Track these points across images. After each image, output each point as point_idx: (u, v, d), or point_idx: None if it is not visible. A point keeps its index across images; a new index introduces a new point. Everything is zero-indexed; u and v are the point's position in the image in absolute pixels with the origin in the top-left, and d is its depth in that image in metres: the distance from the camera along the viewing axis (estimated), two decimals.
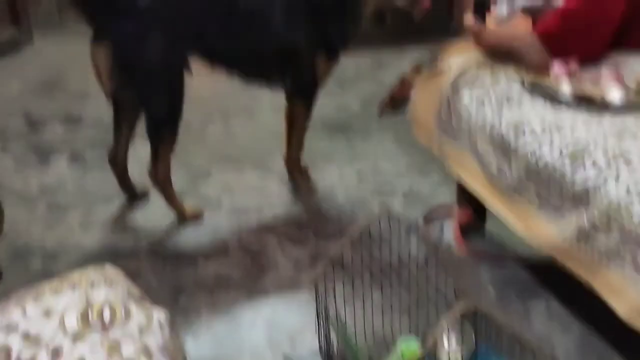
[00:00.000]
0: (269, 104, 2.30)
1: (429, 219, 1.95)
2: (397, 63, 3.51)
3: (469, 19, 1.65)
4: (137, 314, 0.75)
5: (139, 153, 2.29)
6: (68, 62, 3.49)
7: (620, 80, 1.45)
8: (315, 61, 2.00)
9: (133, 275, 1.67)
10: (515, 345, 1.13)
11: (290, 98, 2.10)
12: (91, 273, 0.81)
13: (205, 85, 3.10)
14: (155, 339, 0.73)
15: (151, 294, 1.60)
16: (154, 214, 2.07)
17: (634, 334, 1.11)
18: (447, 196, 2.11)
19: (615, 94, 1.40)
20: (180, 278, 1.75)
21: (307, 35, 1.96)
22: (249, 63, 2.03)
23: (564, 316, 1.54)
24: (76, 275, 0.81)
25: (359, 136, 2.65)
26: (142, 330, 0.73)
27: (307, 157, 2.35)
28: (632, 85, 1.42)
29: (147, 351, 0.70)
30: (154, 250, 1.89)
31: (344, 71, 3.18)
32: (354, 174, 2.32)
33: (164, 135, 1.93)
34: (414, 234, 1.30)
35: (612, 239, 1.14)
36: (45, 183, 2.29)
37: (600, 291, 1.19)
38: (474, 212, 1.87)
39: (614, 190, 1.14)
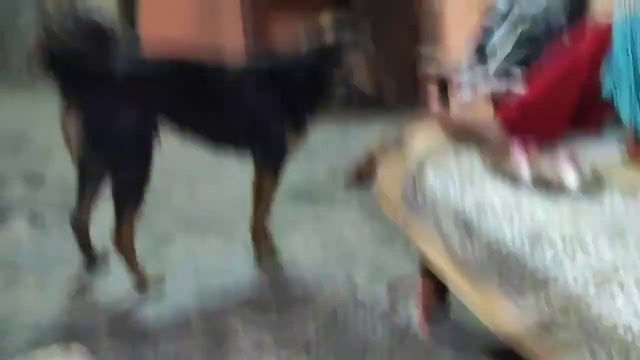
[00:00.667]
0: (236, 170, 2.32)
1: (392, 292, 1.96)
2: (364, 134, 3.58)
3: (434, 105, 1.72)
4: None
5: (101, 216, 2.27)
6: (34, 119, 3.47)
7: (576, 163, 1.52)
8: (283, 134, 2.05)
9: (91, 352, 1.66)
10: None
11: (258, 168, 2.13)
12: (58, 354, 0.79)
13: (172, 150, 3.12)
14: None
15: None
16: (114, 279, 2.03)
17: None
18: (411, 267, 2.12)
19: (571, 178, 1.46)
20: (140, 358, 1.70)
21: (276, 110, 2.01)
22: (219, 134, 2.07)
23: None
24: (40, 356, 0.78)
25: (325, 205, 2.68)
26: None
27: (273, 224, 2.36)
28: (587, 170, 1.49)
29: None
30: (113, 327, 1.84)
31: (311, 141, 3.24)
32: (319, 243, 2.34)
33: (130, 201, 1.93)
34: (379, 319, 1.30)
35: (571, 330, 1.16)
36: (2, 244, 2.24)
37: None
38: (438, 285, 1.89)
39: (570, 275, 1.18)
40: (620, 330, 1.06)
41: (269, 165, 2.12)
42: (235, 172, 2.67)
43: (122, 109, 1.83)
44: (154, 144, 1.93)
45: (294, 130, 2.07)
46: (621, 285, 1.09)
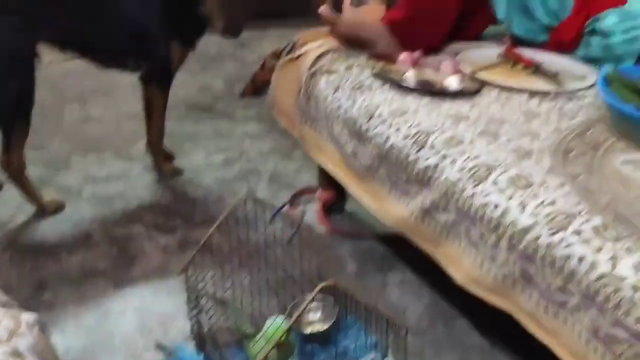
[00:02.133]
0: (128, 84, 2.25)
1: (294, 200, 2.04)
2: (259, 42, 3.56)
3: (323, 8, 1.73)
4: (5, 318, 0.76)
5: None
6: None
7: (457, 67, 1.61)
8: (169, 48, 1.99)
9: None
10: (371, 315, 1.26)
11: (145, 83, 2.09)
12: None
13: (59, 66, 2.97)
14: (24, 341, 0.74)
15: (12, 291, 1.57)
16: (9, 206, 1.98)
17: (473, 298, 1.27)
18: (310, 177, 2.21)
19: (452, 81, 1.55)
20: (42, 272, 1.70)
21: (161, 23, 1.95)
22: (102, 49, 1.99)
23: (417, 285, 1.70)
24: None
25: (224, 117, 2.67)
26: (10, 334, 0.74)
27: (172, 140, 2.35)
28: (467, 72, 1.58)
29: (16, 353, 0.72)
30: (12, 244, 1.82)
31: (206, 51, 3.17)
32: (220, 157, 2.35)
33: (15, 124, 1.85)
34: (278, 217, 1.37)
35: (449, 216, 1.28)
36: None
37: (442, 262, 1.33)
38: (336, 192, 1.98)
39: (450, 171, 1.28)
40: (490, 208, 1.18)
41: (156, 80, 2.07)
42: (127, 86, 2.60)
43: None
44: (33, 59, 1.83)
45: (180, 46, 2.02)
46: (495, 183, 1.20)
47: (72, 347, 1.44)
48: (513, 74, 1.61)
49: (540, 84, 1.55)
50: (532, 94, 1.50)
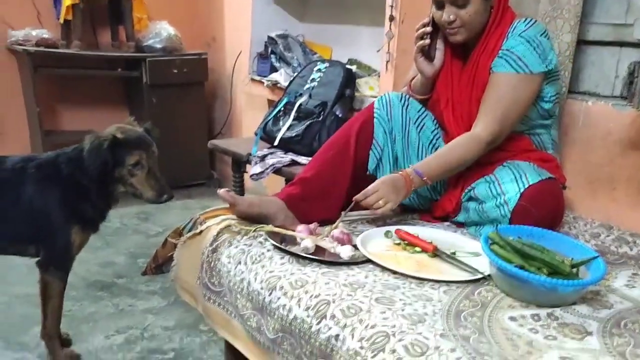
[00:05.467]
0: (23, 264, 2.17)
1: None
2: (164, 215, 3.60)
3: (223, 191, 1.80)
4: None
5: None
6: None
7: (350, 238, 1.70)
8: (69, 232, 1.98)
9: None
10: None
11: (43, 268, 2.03)
12: None
13: None
14: None
15: None
16: None
17: None
18: (217, 352, 2.16)
19: (346, 250, 1.62)
20: None
21: (62, 210, 1.95)
22: (0, 237, 1.95)
23: None
24: None
25: (125, 294, 2.61)
26: None
27: (69, 323, 2.26)
28: (357, 243, 1.66)
29: None
30: None
31: (108, 225, 3.16)
32: (121, 337, 2.26)
33: None
34: None
35: None
36: None
37: None
38: None
39: (350, 341, 1.31)
40: None
41: (55, 266, 2.03)
42: (23, 269, 2.52)
43: None
44: None
45: (80, 226, 2.01)
46: (392, 351, 1.24)
47: None
48: (414, 259, 1.63)
49: (451, 272, 1.55)
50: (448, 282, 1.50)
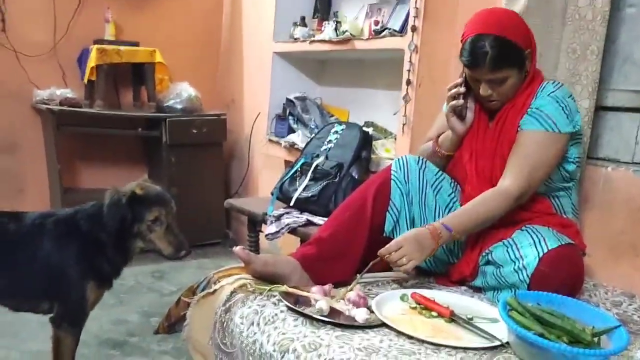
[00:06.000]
0: (36, 320, 2.17)
1: None
2: (178, 273, 3.59)
3: (239, 249, 1.80)
4: None
5: None
6: None
7: (365, 301, 1.67)
8: (84, 289, 1.98)
9: None
10: None
11: (56, 324, 2.02)
12: None
13: None
14: None
15: None
16: None
17: None
18: None
19: (361, 313, 1.60)
20: None
21: (78, 266, 1.96)
22: (16, 294, 1.96)
23: None
24: None
25: (138, 354, 2.57)
26: None
27: None
28: (373, 307, 1.64)
29: None
30: None
31: (122, 283, 3.16)
32: None
33: None
34: None
35: None
36: None
37: None
38: None
39: None
40: None
41: (69, 322, 2.01)
42: (36, 325, 2.50)
43: None
44: None
45: (95, 282, 2.01)
46: None
47: None
48: (430, 324, 1.59)
49: (469, 339, 1.51)
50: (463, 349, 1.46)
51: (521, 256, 1.68)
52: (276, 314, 1.65)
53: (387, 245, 1.74)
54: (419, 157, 1.99)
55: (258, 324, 1.64)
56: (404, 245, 1.72)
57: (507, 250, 1.72)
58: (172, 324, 1.97)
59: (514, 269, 1.68)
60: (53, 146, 3.85)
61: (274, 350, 1.54)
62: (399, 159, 1.99)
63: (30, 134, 4.05)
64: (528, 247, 1.68)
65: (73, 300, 1.99)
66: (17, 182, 4.07)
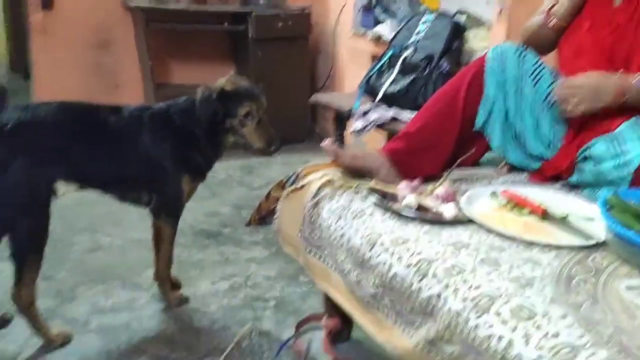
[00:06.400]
0: (137, 211, 2.31)
1: (300, 329, 2.02)
2: (266, 169, 3.68)
3: (327, 142, 1.80)
4: None
5: (2, 274, 2.20)
6: None
7: (454, 195, 1.65)
8: (180, 181, 2.07)
9: None
10: None
11: (156, 215, 2.14)
12: None
13: (69, 195, 3.05)
14: None
15: None
16: (17, 339, 1.96)
17: None
18: (316, 303, 2.20)
19: (450, 208, 1.58)
20: None
21: (174, 159, 2.03)
22: (117, 185, 2.06)
23: None
24: None
25: (230, 243, 2.70)
26: None
27: (179, 268, 2.37)
28: (463, 203, 1.61)
29: None
30: None
31: (214, 177, 3.28)
32: (226, 284, 2.36)
33: (28, 259, 1.88)
34: (282, 349, 1.36)
35: (455, 347, 1.26)
36: None
37: None
38: (342, 319, 1.96)
39: (453, 301, 1.28)
40: (494, 340, 1.16)
41: (166, 213, 2.12)
42: (137, 216, 2.66)
43: (14, 165, 1.79)
44: (50, 197, 1.89)
45: (190, 175, 2.09)
46: (498, 314, 1.20)
47: None
48: (522, 221, 1.54)
49: (563, 237, 1.46)
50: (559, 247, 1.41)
51: (624, 151, 1.57)
52: (363, 209, 1.66)
53: (560, 81, 1.66)
54: (517, 46, 1.86)
55: (346, 218, 1.66)
56: (582, 86, 1.64)
57: (608, 145, 1.61)
58: (263, 216, 2.03)
59: (615, 165, 1.58)
60: (144, 43, 3.93)
61: (362, 244, 1.56)
62: (495, 48, 1.87)
63: (122, 31, 4.14)
64: (633, 142, 1.57)
65: (170, 193, 2.08)
66: (112, 79, 4.22)
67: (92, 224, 2.84)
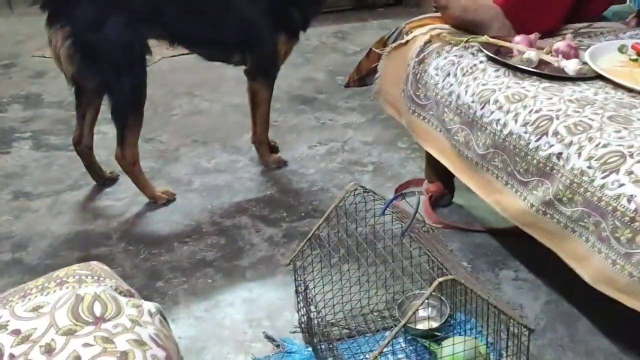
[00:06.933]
0: (234, 77, 2.28)
1: (400, 192, 1.99)
2: (360, 34, 3.53)
3: None
4: (128, 307, 0.76)
5: (107, 136, 2.27)
6: (21, 41, 3.41)
7: (576, 51, 1.49)
8: (276, 42, 1.99)
9: (107, 262, 1.70)
10: (489, 311, 1.18)
11: (251, 77, 2.10)
12: (78, 270, 0.82)
13: (167, 61, 3.07)
14: (146, 330, 0.74)
15: (127, 280, 1.61)
16: (124, 198, 2.05)
17: (599, 295, 1.17)
18: (415, 168, 2.15)
19: (572, 64, 1.44)
20: (155, 262, 1.74)
21: (269, 16, 1.95)
22: (211, 44, 2.02)
23: (532, 283, 1.60)
24: (62, 273, 0.81)
25: (326, 109, 2.66)
26: (133, 322, 0.74)
27: (276, 132, 2.37)
28: (586, 58, 1.46)
29: (140, 342, 0.72)
30: (126, 234, 1.88)
31: (307, 43, 3.18)
32: (323, 148, 2.34)
33: (129, 119, 1.91)
34: (388, 207, 1.33)
35: (575, 209, 1.18)
36: (8, 169, 2.25)
37: (566, 259, 1.24)
38: (444, 184, 1.91)
39: (576, 160, 1.18)
40: (624, 200, 1.08)
41: (262, 74, 2.08)
42: (233, 79, 2.64)
43: (110, 22, 1.77)
44: (145, 55, 1.88)
45: (286, 35, 2.01)
46: (629, 173, 1.10)
47: (183, 337, 1.46)
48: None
49: None
50: None
51: None
52: (475, 65, 1.54)
53: None
54: None
55: (455, 75, 1.55)
56: None
57: None
58: (363, 77, 1.95)
59: None
60: None
61: (473, 102, 1.47)
62: None
63: None
64: None
65: (266, 53, 2.03)
66: None
67: (190, 89, 2.86)
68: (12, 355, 0.70)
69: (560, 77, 1.43)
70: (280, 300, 1.56)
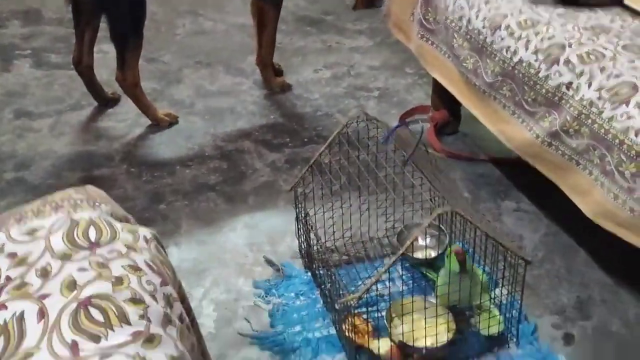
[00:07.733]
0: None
1: (405, 119, 1.96)
2: None
3: None
4: (123, 232, 0.76)
5: (108, 55, 2.22)
6: None
7: None
8: None
9: (108, 183, 1.70)
10: (487, 244, 1.18)
11: None
12: (73, 194, 0.81)
13: None
14: (142, 256, 0.74)
15: (129, 202, 1.62)
16: (126, 120, 2.03)
17: (597, 229, 1.16)
18: (422, 95, 2.11)
19: None
20: (157, 184, 1.74)
21: None
22: None
23: (533, 214, 1.59)
24: (58, 197, 0.80)
25: (333, 31, 2.59)
26: (129, 248, 0.74)
27: (280, 55, 2.31)
28: None
29: (135, 267, 0.72)
30: (129, 156, 1.87)
31: None
32: (328, 72, 2.29)
33: (128, 40, 1.86)
34: (391, 136, 1.31)
35: (581, 141, 1.16)
36: (10, 87, 2.22)
37: (568, 192, 1.22)
38: (450, 112, 1.87)
39: (586, 90, 1.15)
40: (632, 133, 1.05)
41: None
42: (239, 2, 2.56)
43: None
44: None
45: None
46: (639, 105, 1.06)
47: (185, 260, 1.48)
48: None
49: None
50: None
51: None
52: None
53: None
54: None
55: (467, 0, 1.49)
56: None
57: None
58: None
59: None
60: None
61: (484, 27, 1.42)
62: None
63: None
64: None
65: None
66: None
67: (194, 7, 2.77)
68: (8, 278, 0.70)
69: (575, 1, 1.36)
70: (282, 225, 1.57)
